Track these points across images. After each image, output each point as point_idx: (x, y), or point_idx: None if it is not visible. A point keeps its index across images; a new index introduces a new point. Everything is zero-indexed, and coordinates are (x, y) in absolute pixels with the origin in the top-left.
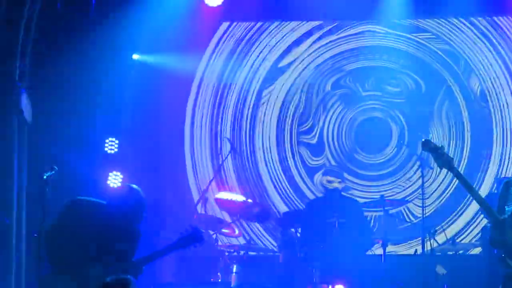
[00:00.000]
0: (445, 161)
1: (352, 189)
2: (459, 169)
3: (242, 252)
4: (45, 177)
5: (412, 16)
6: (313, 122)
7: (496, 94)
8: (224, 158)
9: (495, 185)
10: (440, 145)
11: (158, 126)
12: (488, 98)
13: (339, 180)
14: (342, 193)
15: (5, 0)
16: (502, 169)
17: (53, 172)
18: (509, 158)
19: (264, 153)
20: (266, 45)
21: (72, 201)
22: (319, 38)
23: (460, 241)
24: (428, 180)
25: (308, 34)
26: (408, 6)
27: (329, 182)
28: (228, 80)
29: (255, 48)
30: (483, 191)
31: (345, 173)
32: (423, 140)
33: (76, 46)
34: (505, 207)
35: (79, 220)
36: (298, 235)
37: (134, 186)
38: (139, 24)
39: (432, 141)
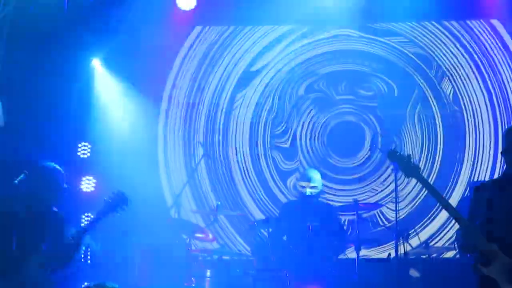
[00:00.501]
0: (411, 170)
1: (325, 193)
2: (432, 173)
3: (215, 257)
4: (16, 182)
5: (384, 20)
6: (286, 126)
7: (469, 98)
8: (197, 163)
9: (468, 189)
10: (406, 154)
11: (131, 130)
12: (461, 101)
13: (309, 183)
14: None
15: None
16: (475, 173)
17: (24, 176)
18: (481, 161)
19: (237, 157)
20: (239, 49)
21: None
22: (292, 42)
23: (434, 244)
24: (401, 183)
25: (281, 38)
26: (381, 9)
27: (302, 187)
28: (201, 84)
29: (228, 52)
30: (456, 196)
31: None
32: (389, 150)
33: (48, 50)
34: (476, 212)
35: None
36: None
37: (46, 164)
38: (111, 28)
39: (397, 151)
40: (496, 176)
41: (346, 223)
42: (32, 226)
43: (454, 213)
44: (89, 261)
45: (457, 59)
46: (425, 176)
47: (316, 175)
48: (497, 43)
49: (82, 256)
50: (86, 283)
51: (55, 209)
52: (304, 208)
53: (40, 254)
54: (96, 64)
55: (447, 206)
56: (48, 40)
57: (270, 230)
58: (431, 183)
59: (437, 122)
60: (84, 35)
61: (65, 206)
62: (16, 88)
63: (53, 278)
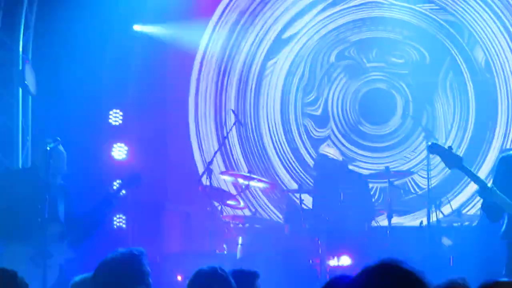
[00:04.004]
0: (454, 161)
1: (356, 161)
2: (464, 141)
3: (247, 224)
4: (48, 148)
5: None
6: (317, 94)
7: (501, 65)
8: (228, 130)
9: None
10: (447, 146)
11: (163, 97)
12: (493, 69)
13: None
14: (348, 165)
15: None
16: (507, 140)
17: (57, 143)
18: None
19: (268, 124)
20: (270, 16)
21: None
22: (323, 9)
23: (466, 212)
24: (429, 154)
25: (312, 5)
26: None
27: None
28: (232, 52)
29: (259, 20)
30: (488, 164)
31: (349, 144)
32: (429, 143)
33: (80, 17)
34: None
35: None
36: (304, 206)
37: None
38: None
39: (438, 143)
40: None
41: (377, 191)
42: (53, 197)
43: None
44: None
45: (489, 26)
46: (457, 144)
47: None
48: None
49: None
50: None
51: (61, 181)
52: (334, 177)
53: (59, 224)
54: (137, 29)
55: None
56: (78, 6)
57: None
58: (464, 150)
59: (468, 90)
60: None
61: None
62: (48, 55)
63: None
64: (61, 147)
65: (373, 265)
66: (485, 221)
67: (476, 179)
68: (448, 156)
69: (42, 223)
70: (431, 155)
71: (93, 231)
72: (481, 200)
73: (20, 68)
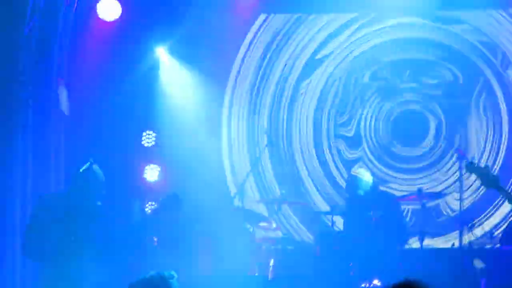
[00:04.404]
0: (490, 180)
1: (388, 182)
2: (497, 162)
3: (279, 246)
4: (81, 170)
5: (449, 8)
6: (350, 115)
7: None
8: (261, 151)
9: None
10: (484, 166)
11: (195, 118)
12: None
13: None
14: (380, 187)
15: None
16: None
17: (90, 165)
18: None
19: (301, 145)
20: (303, 37)
21: (40, 198)
22: (357, 30)
23: (498, 234)
24: (466, 172)
25: (345, 26)
26: None
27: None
28: (266, 72)
29: (292, 41)
30: None
31: (382, 165)
32: (466, 162)
33: (113, 38)
34: None
35: (52, 213)
36: (336, 228)
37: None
38: (176, 16)
39: (475, 162)
40: None
41: (409, 213)
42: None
43: None
44: (152, 249)
45: None
46: (489, 166)
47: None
48: None
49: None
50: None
51: (99, 203)
52: (366, 198)
53: (93, 246)
54: (161, 52)
55: None
56: (113, 29)
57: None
58: (496, 172)
59: (502, 111)
60: (150, 23)
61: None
62: (81, 77)
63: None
64: (97, 168)
65: (396, 284)
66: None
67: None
68: (486, 175)
69: (77, 244)
70: (466, 175)
71: (129, 252)
72: None
73: (54, 89)
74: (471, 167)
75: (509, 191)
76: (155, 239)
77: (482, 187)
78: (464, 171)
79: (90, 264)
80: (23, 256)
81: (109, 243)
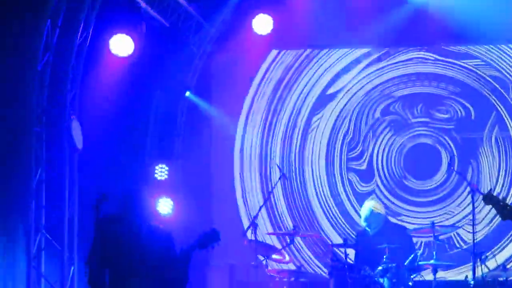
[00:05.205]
0: (508, 213)
1: (402, 215)
2: (509, 196)
3: (292, 278)
4: (96, 204)
5: (461, 43)
6: (362, 148)
7: None
8: (274, 185)
9: None
10: (501, 197)
11: (208, 152)
12: None
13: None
14: (390, 218)
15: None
16: None
17: (104, 199)
18: None
19: (313, 179)
20: (315, 72)
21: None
22: (368, 65)
23: (511, 266)
24: (479, 206)
25: (357, 61)
26: (457, 32)
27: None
28: (277, 107)
29: (304, 76)
30: None
31: (394, 198)
32: (484, 194)
33: (126, 73)
34: None
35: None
36: (349, 261)
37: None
38: (189, 53)
39: (494, 194)
40: None
41: (422, 245)
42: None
43: None
44: None
45: None
46: (502, 199)
47: (364, 211)
48: None
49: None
50: None
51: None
52: (378, 231)
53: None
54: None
55: None
56: (125, 65)
57: (347, 252)
58: (509, 207)
59: None
60: (162, 59)
61: None
62: (94, 110)
63: None
64: None
65: None
66: None
67: None
68: (503, 207)
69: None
70: (478, 208)
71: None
72: None
73: (67, 123)
74: (489, 199)
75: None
76: None
77: (495, 220)
78: (481, 202)
79: None
80: None
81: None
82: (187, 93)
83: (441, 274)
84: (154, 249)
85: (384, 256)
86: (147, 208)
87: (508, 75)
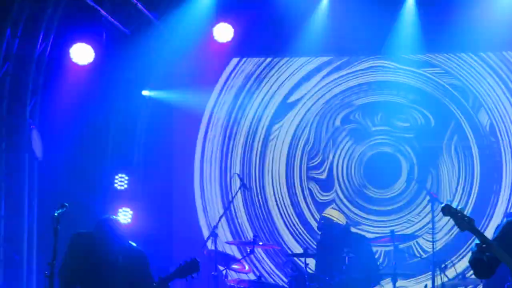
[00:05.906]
0: (466, 223)
1: (361, 224)
2: (469, 204)
3: None
4: (56, 214)
5: (421, 51)
6: (322, 157)
7: (506, 129)
8: (234, 195)
9: (505, 219)
10: (459, 208)
11: (168, 161)
12: (498, 133)
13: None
14: (352, 228)
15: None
16: None
17: (64, 209)
18: None
19: (274, 188)
20: (276, 80)
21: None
22: (328, 74)
23: (470, 276)
24: (438, 214)
25: (317, 69)
26: (417, 41)
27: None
28: (238, 116)
29: (265, 84)
30: (493, 227)
31: (354, 208)
32: (442, 205)
33: (86, 82)
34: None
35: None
36: (309, 270)
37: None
38: (149, 60)
39: (452, 205)
40: None
41: (382, 254)
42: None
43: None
44: None
45: (493, 90)
46: (462, 208)
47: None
48: None
49: None
50: None
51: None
52: (338, 240)
53: None
54: (144, 94)
55: (500, 255)
56: (86, 73)
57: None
58: (468, 215)
59: (473, 154)
60: (121, 66)
61: None
62: (54, 120)
63: None
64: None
65: None
66: (490, 285)
67: (484, 240)
68: (461, 218)
69: None
70: (438, 217)
71: None
72: None
73: (27, 133)
74: (447, 210)
75: (483, 233)
76: None
77: (454, 229)
78: (439, 213)
79: None
80: None
81: None
82: (145, 92)
83: (401, 283)
84: (126, 266)
85: (344, 266)
86: (119, 229)
87: (467, 84)
